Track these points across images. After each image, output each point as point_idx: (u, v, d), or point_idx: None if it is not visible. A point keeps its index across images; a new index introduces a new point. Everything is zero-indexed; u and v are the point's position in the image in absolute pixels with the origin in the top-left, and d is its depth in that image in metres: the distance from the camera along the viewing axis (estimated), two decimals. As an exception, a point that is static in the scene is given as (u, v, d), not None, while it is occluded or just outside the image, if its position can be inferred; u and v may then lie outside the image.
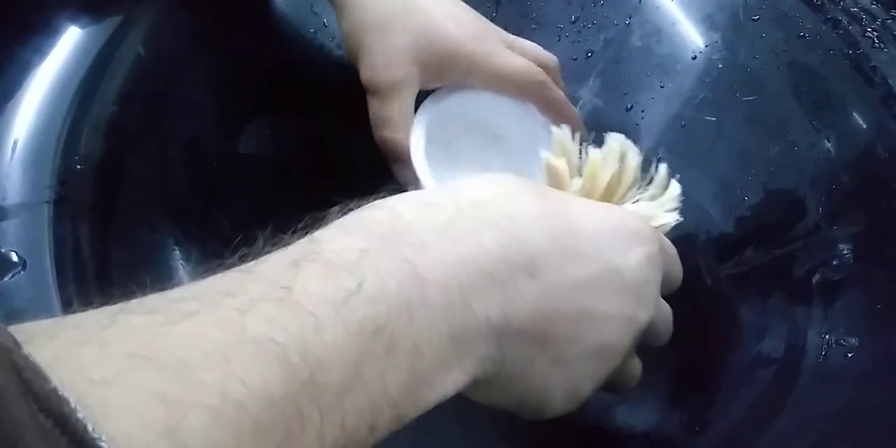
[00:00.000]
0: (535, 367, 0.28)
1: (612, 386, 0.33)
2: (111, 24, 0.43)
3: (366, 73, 0.42)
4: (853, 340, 0.39)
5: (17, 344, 0.17)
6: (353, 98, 0.44)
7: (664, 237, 0.34)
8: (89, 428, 0.16)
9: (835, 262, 0.41)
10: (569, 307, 0.28)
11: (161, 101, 0.45)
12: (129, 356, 0.19)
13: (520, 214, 0.28)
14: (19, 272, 0.36)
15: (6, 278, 0.36)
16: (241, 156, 0.48)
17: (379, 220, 0.26)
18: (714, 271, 0.47)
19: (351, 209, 0.27)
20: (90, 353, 0.18)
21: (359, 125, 0.44)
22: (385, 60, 0.41)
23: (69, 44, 0.42)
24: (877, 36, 0.43)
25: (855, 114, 0.43)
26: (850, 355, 0.39)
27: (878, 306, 0.39)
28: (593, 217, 0.30)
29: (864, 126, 0.43)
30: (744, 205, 0.46)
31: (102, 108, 0.42)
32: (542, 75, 0.43)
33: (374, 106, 0.42)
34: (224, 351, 0.20)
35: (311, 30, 0.52)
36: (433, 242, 0.25)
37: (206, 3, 0.47)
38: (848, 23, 0.44)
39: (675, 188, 0.37)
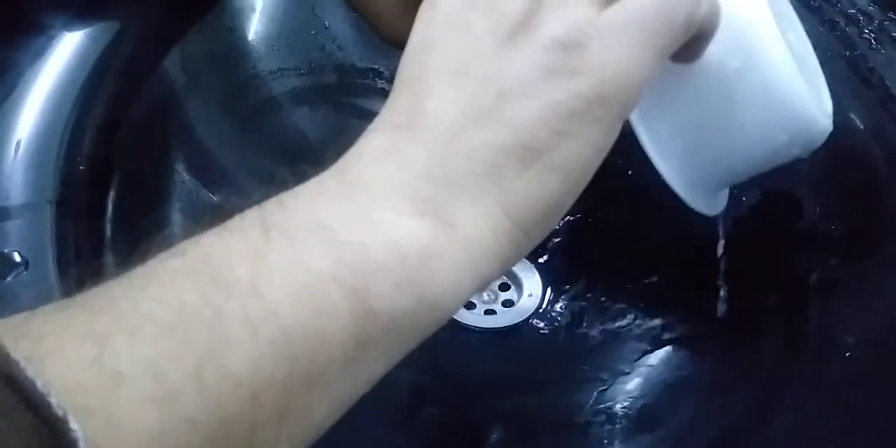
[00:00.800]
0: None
1: None
2: (112, 25, 0.43)
3: (387, 29, 0.38)
4: (850, 339, 0.39)
5: None
6: (353, 99, 0.44)
7: None
8: (38, 384, 0.16)
9: (832, 262, 0.41)
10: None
11: (163, 101, 0.45)
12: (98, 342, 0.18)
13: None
14: (22, 272, 0.36)
15: (9, 278, 0.36)
16: (241, 156, 0.48)
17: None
18: (712, 271, 0.47)
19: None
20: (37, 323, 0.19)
21: (358, 125, 0.44)
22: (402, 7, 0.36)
23: (71, 45, 0.42)
24: (874, 37, 0.44)
25: (852, 115, 0.43)
26: (847, 355, 0.39)
27: (876, 306, 0.39)
28: None
29: (862, 127, 0.43)
30: (742, 205, 0.46)
31: (105, 108, 0.42)
32: None
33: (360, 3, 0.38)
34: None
35: (312, 31, 0.52)
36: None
37: (206, 4, 0.47)
38: (845, 24, 0.44)
39: None
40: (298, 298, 0.20)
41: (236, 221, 0.23)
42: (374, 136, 0.25)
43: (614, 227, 0.53)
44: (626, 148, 0.28)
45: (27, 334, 0.18)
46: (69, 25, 0.42)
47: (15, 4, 0.41)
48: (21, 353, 0.17)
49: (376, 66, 0.52)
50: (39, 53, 0.41)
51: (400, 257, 0.22)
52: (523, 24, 0.24)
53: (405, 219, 0.23)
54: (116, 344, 0.18)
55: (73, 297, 0.20)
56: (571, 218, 0.52)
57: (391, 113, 0.25)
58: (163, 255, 0.22)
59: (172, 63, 0.46)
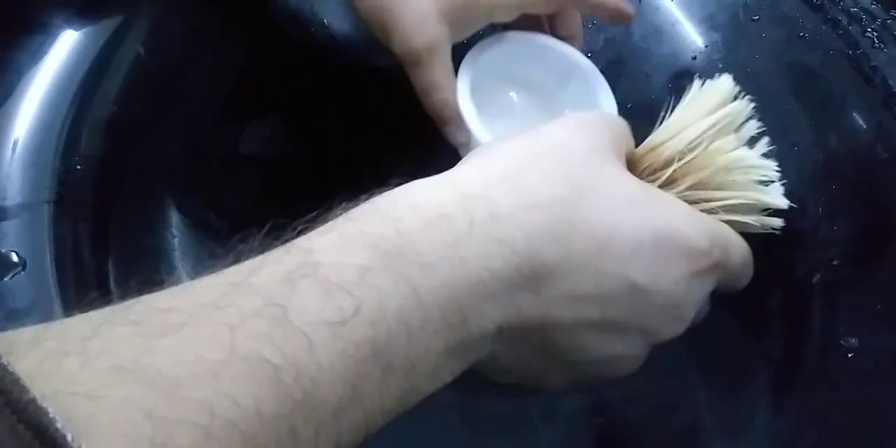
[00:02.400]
0: (532, 365, 0.28)
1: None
2: (111, 24, 0.43)
3: (400, 44, 0.41)
4: (853, 341, 0.39)
5: None
6: (353, 98, 0.44)
7: (734, 242, 0.31)
8: (69, 438, 0.16)
9: (835, 262, 0.41)
10: (571, 320, 0.26)
11: (161, 101, 0.45)
12: (115, 370, 0.18)
13: (541, 231, 0.25)
14: (19, 272, 0.36)
15: (6, 278, 0.36)
16: (241, 156, 0.48)
17: (384, 235, 0.24)
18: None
19: (347, 208, 0.26)
20: (74, 366, 0.18)
21: (359, 125, 0.44)
22: (416, 25, 0.40)
23: (69, 44, 0.42)
24: (877, 36, 0.43)
25: (855, 114, 0.43)
26: (850, 356, 0.39)
27: (879, 306, 0.39)
28: (631, 227, 0.27)
29: (865, 126, 0.43)
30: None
31: (102, 108, 0.41)
32: None
33: (416, 75, 0.41)
34: (213, 369, 0.19)
35: (312, 29, 0.52)
36: (438, 264, 0.24)
37: (205, 2, 0.47)
38: (848, 23, 0.44)
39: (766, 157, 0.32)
40: None
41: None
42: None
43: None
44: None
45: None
46: (67, 24, 0.42)
47: (13, 3, 0.41)
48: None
49: (376, 64, 0.52)
50: (37, 52, 0.41)
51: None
52: None
53: None
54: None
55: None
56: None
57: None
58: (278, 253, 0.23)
59: (170, 62, 0.46)
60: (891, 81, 0.43)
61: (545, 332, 0.26)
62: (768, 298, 0.44)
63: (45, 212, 0.38)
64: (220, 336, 0.20)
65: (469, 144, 0.41)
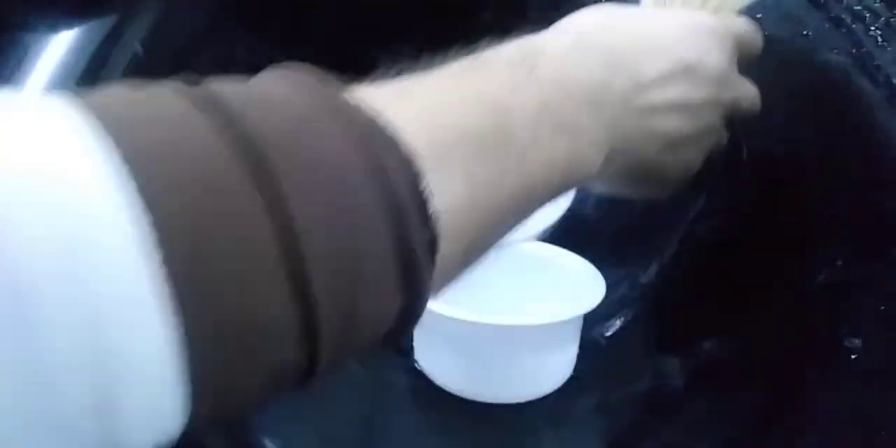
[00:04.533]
0: (649, 150, 0.35)
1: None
2: (108, 22, 0.43)
3: None
4: (857, 342, 0.39)
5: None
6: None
7: (734, 19, 0.40)
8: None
9: (839, 263, 0.41)
10: (663, 100, 0.34)
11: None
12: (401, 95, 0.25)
13: (615, 39, 0.34)
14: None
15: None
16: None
17: (529, 43, 0.32)
18: (718, 273, 0.47)
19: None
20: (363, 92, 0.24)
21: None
22: None
23: (66, 42, 0.41)
24: (880, 34, 0.43)
25: (858, 113, 0.43)
26: (853, 357, 0.39)
27: (882, 307, 0.39)
28: (667, 23, 0.36)
29: (869, 125, 0.42)
30: (748, 207, 0.46)
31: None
32: None
33: None
34: (454, 102, 0.26)
35: (312, 27, 0.52)
36: (569, 55, 0.32)
37: (204, 1, 0.47)
38: (851, 21, 0.44)
39: None
40: None
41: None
42: None
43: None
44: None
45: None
46: (64, 22, 0.42)
47: (10, 1, 0.40)
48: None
49: (376, 64, 0.51)
50: (34, 51, 0.40)
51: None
52: None
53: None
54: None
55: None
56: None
57: None
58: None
59: (168, 60, 0.45)
60: (894, 80, 0.42)
61: (647, 118, 0.34)
62: (773, 299, 0.44)
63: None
64: (456, 86, 0.27)
65: None
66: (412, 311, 0.22)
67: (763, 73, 0.41)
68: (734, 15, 0.41)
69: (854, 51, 0.44)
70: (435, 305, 0.45)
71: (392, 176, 0.21)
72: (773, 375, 0.41)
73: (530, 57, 0.30)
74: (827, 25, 0.45)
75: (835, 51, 0.44)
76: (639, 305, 0.52)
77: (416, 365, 0.50)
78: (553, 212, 0.51)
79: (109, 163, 0.17)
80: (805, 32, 0.45)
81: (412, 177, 0.22)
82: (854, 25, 0.44)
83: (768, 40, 0.40)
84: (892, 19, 0.44)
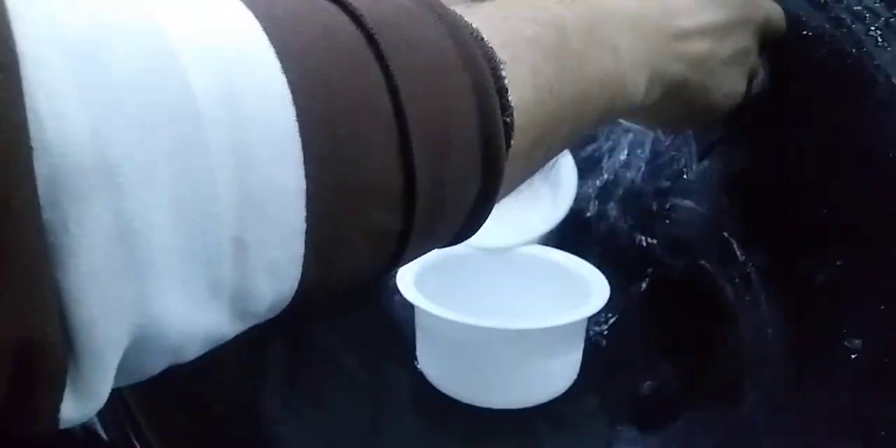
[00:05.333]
0: (690, 82, 0.36)
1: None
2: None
3: None
4: (857, 342, 0.39)
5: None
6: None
7: None
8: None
9: (839, 263, 0.41)
10: (699, 24, 0.35)
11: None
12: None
13: None
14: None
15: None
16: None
17: None
18: (718, 273, 0.47)
19: None
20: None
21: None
22: None
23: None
24: (880, 34, 0.43)
25: (858, 113, 0.43)
26: (853, 357, 0.39)
27: (882, 307, 0.39)
28: None
29: (868, 125, 0.42)
30: (748, 206, 0.46)
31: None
32: None
33: None
34: (519, 22, 0.28)
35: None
36: None
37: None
38: (851, 21, 0.44)
39: None
40: None
41: None
42: None
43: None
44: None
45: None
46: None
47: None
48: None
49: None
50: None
51: None
52: None
53: None
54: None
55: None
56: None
57: None
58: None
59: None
60: (894, 80, 0.42)
61: (686, 44, 0.35)
62: (772, 300, 0.44)
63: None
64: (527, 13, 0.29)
65: None
66: (489, 194, 0.24)
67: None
68: None
69: (854, 51, 0.43)
70: (437, 310, 0.44)
71: (478, 63, 0.23)
72: (773, 375, 0.41)
73: None
74: (827, 25, 0.44)
75: (835, 50, 0.44)
76: (638, 306, 0.52)
77: (419, 368, 0.50)
78: (554, 214, 0.51)
79: (259, 29, 0.19)
80: (805, 32, 0.45)
81: (494, 67, 0.23)
82: (854, 25, 0.44)
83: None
84: (892, 19, 0.44)
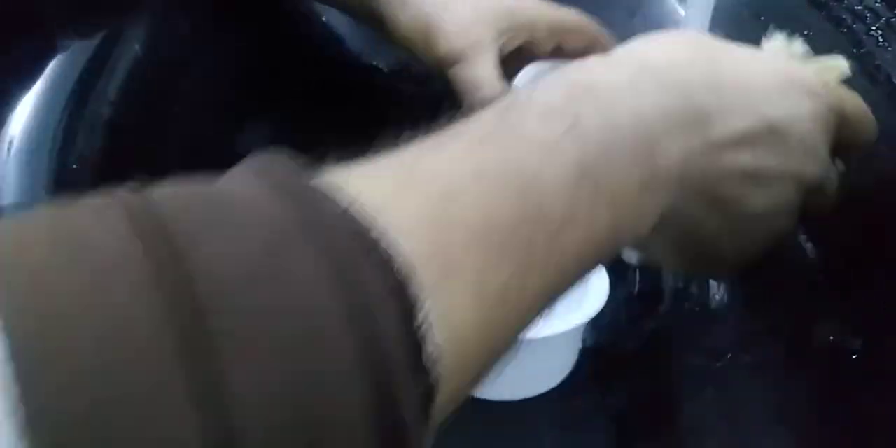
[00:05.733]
0: (706, 224, 0.30)
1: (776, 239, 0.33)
2: (108, 23, 0.43)
3: (442, 46, 0.43)
4: (858, 342, 0.39)
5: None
6: (352, 97, 0.43)
7: (843, 90, 0.33)
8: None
9: (839, 263, 0.41)
10: (735, 165, 0.29)
11: (158, 100, 0.45)
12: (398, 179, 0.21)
13: (691, 81, 0.28)
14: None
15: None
16: (239, 156, 0.48)
17: (575, 77, 0.27)
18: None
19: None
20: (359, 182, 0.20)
21: (358, 124, 0.43)
22: (458, 27, 0.43)
23: (66, 43, 0.41)
24: (881, 34, 0.43)
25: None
26: (854, 357, 0.39)
27: (883, 307, 0.39)
28: (762, 74, 0.30)
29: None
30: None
31: (98, 107, 0.41)
32: (598, 27, 0.47)
33: (460, 71, 0.42)
34: (468, 183, 0.22)
35: (311, 29, 0.52)
36: (624, 96, 0.27)
37: (203, 1, 0.47)
38: (852, 21, 0.44)
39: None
40: None
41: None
42: None
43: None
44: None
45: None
46: (65, 22, 0.42)
47: (10, 1, 0.40)
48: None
49: (375, 63, 0.51)
50: (35, 49, 0.41)
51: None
52: None
53: None
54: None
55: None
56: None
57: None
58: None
59: (168, 61, 0.45)
60: (894, 80, 0.42)
61: (713, 184, 0.29)
62: (773, 300, 0.44)
63: (41, 212, 0.38)
64: (465, 154, 0.23)
65: None
66: None
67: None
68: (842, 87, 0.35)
69: (854, 51, 0.44)
70: None
71: (378, 318, 0.17)
72: (773, 375, 0.41)
73: (574, 101, 0.25)
74: (827, 25, 0.45)
75: (835, 50, 0.44)
76: (639, 305, 0.51)
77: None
78: (594, 299, 0.49)
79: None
80: (806, 32, 0.45)
81: (406, 310, 0.18)
82: (854, 25, 0.44)
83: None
84: (892, 19, 0.44)
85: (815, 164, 0.31)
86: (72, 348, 0.14)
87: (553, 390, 0.48)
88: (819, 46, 0.44)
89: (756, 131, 0.28)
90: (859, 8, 0.44)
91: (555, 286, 0.24)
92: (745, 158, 0.28)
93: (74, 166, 0.39)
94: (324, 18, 0.52)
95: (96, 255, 0.16)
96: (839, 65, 0.35)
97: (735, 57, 0.30)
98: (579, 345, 0.48)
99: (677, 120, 0.27)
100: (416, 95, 0.50)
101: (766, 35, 0.37)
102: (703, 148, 0.28)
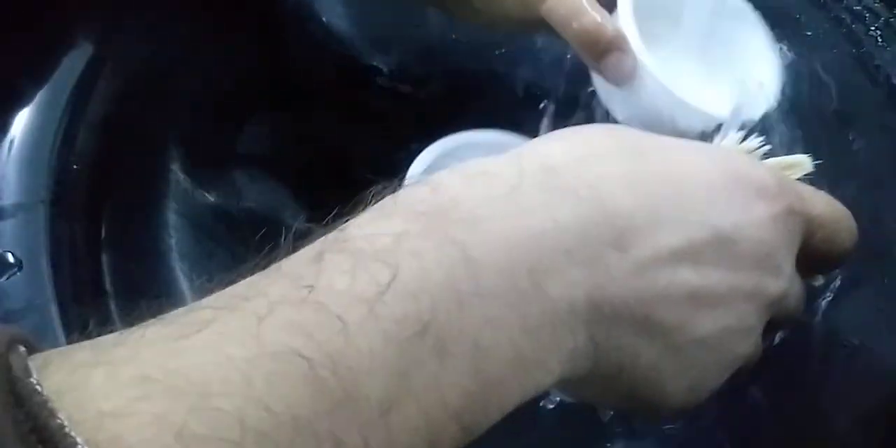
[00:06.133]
0: (641, 359, 0.23)
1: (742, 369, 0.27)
2: (108, 22, 0.43)
3: None
4: (856, 341, 0.39)
5: (26, 372, 0.16)
6: (351, 97, 0.43)
7: (807, 189, 0.29)
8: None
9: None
10: (672, 286, 0.23)
11: (158, 100, 0.45)
12: (141, 380, 0.17)
13: (606, 178, 0.23)
14: (15, 273, 0.36)
15: (2, 279, 0.36)
16: (239, 155, 0.48)
17: (420, 197, 0.21)
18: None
19: (388, 190, 0.23)
20: (99, 378, 0.17)
21: (358, 124, 0.43)
22: None
23: (66, 42, 0.41)
24: (880, 34, 0.43)
25: (858, 113, 0.43)
26: (853, 356, 0.39)
27: (881, 307, 0.39)
28: (702, 170, 0.24)
29: (868, 125, 0.43)
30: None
31: (99, 107, 0.41)
32: None
33: (556, 4, 0.35)
34: (243, 369, 0.17)
35: (311, 28, 0.52)
36: (488, 218, 0.21)
37: (204, 1, 0.47)
38: (851, 21, 0.44)
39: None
40: None
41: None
42: None
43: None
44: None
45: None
46: (65, 21, 0.42)
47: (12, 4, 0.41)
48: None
49: (375, 63, 0.51)
50: (36, 48, 0.41)
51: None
52: None
53: None
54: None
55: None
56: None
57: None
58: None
59: (168, 60, 0.45)
60: (894, 80, 0.42)
61: (646, 308, 0.22)
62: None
63: (42, 212, 0.38)
64: (247, 329, 0.18)
65: (633, 77, 0.35)
66: None
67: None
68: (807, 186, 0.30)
69: (854, 51, 0.44)
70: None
71: None
72: (773, 375, 0.41)
73: (422, 232, 0.20)
74: (827, 25, 0.45)
75: (835, 51, 0.44)
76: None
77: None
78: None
79: None
80: (805, 32, 0.45)
81: None
82: (854, 25, 0.44)
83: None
84: (892, 19, 0.44)
85: (776, 277, 0.25)
86: None
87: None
88: (819, 46, 0.45)
89: (697, 245, 0.23)
90: (858, 8, 0.44)
91: None
92: (684, 276, 0.23)
93: (75, 166, 0.39)
94: (324, 19, 0.52)
95: None
96: (801, 161, 0.31)
97: (666, 149, 0.25)
98: None
99: (580, 232, 0.21)
100: (416, 95, 0.50)
101: (717, 132, 0.33)
102: (627, 267, 0.22)
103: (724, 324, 0.24)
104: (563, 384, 0.23)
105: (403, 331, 0.19)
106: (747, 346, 0.26)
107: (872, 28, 0.44)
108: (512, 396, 0.21)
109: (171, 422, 0.16)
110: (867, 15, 0.44)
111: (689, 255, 0.23)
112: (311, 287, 0.19)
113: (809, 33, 0.45)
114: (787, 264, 0.26)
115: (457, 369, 0.19)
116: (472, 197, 0.21)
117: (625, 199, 0.22)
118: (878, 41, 0.43)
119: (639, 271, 0.22)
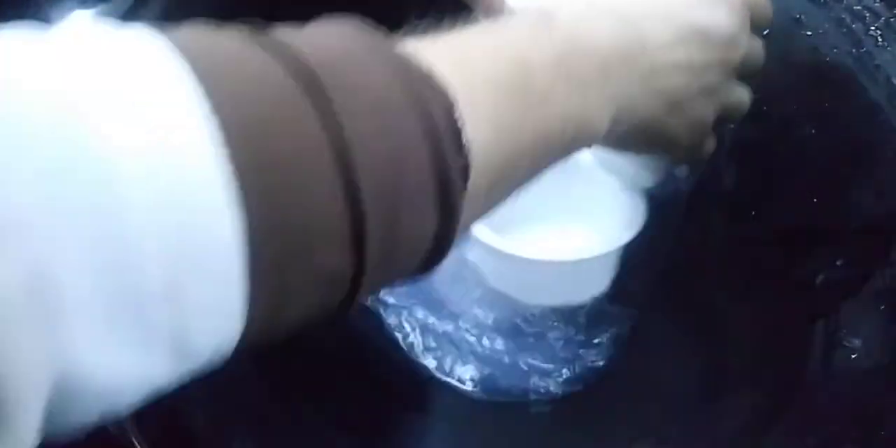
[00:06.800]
0: (654, 116, 0.35)
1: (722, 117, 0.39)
2: (108, 22, 0.43)
3: None
4: (857, 341, 0.39)
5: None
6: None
7: None
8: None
9: (839, 263, 0.41)
10: (667, 62, 0.34)
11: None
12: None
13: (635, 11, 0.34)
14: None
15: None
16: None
17: (540, 7, 0.32)
18: (718, 273, 0.47)
19: None
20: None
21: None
22: None
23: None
24: (880, 34, 0.43)
25: (859, 113, 0.43)
26: (853, 356, 0.39)
27: (882, 307, 0.39)
28: None
29: (868, 125, 0.43)
30: (748, 206, 0.46)
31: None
32: None
33: None
34: (487, 54, 0.27)
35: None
36: (577, 25, 0.32)
37: (204, 1, 0.47)
38: (851, 21, 0.44)
39: None
40: None
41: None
42: None
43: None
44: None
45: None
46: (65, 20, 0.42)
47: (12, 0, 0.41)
48: None
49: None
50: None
51: None
52: None
53: None
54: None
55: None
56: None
57: None
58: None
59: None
60: (894, 80, 0.42)
61: (652, 76, 0.34)
62: (773, 299, 0.44)
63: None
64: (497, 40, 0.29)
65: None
66: (447, 233, 0.24)
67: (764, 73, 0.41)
68: None
69: (854, 51, 0.44)
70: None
71: (429, 103, 0.23)
72: (774, 375, 0.41)
73: (545, 19, 0.31)
74: (827, 25, 0.45)
75: (835, 51, 0.44)
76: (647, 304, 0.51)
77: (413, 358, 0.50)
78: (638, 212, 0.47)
79: (187, 79, 0.19)
80: (805, 32, 0.45)
81: (447, 106, 0.23)
82: (854, 25, 0.44)
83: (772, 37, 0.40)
84: (892, 19, 0.44)
85: (738, 48, 0.37)
86: (239, 85, 0.20)
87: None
88: (819, 46, 0.45)
89: (683, 34, 0.35)
90: (858, 8, 0.44)
91: (544, 145, 0.29)
92: (677, 55, 0.35)
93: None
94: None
95: (233, 44, 0.22)
96: None
97: None
98: (614, 268, 0.48)
99: (620, 33, 0.33)
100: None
101: None
102: (643, 52, 0.33)
103: (702, 83, 0.36)
104: (613, 137, 0.33)
105: (554, 57, 0.29)
106: (722, 95, 0.38)
107: (872, 28, 0.44)
108: (596, 124, 0.32)
109: (456, 60, 0.26)
110: (867, 15, 0.44)
111: (676, 43, 0.34)
112: (512, 27, 0.30)
113: (809, 33, 0.45)
114: (744, 36, 0.38)
115: (574, 90, 0.30)
116: (567, 11, 0.32)
117: (639, 14, 0.34)
118: (878, 41, 0.43)
119: (645, 54, 0.33)
